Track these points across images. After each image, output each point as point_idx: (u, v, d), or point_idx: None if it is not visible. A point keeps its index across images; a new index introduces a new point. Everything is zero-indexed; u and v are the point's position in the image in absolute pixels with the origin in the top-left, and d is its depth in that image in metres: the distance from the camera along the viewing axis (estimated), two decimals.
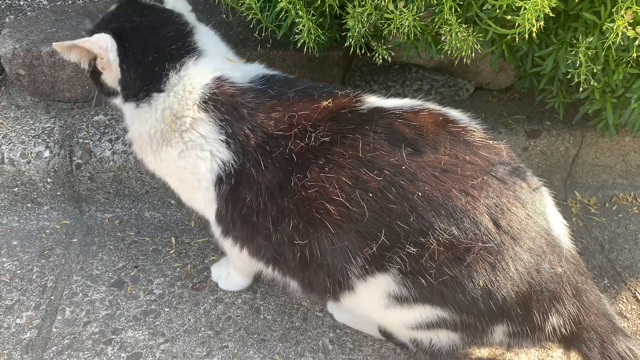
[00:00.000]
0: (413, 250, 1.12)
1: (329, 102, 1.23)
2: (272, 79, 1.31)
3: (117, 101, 1.38)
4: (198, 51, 1.31)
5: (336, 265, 1.18)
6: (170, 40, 1.30)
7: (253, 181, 1.21)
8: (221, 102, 1.25)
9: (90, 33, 1.30)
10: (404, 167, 1.12)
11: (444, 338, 1.27)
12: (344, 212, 1.14)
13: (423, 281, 1.13)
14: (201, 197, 1.31)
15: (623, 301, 1.59)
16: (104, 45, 1.25)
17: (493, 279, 1.12)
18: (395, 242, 1.13)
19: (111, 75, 1.31)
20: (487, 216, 1.11)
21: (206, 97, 1.26)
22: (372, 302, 1.22)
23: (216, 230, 1.36)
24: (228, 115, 1.24)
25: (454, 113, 1.24)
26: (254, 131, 1.23)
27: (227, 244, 1.35)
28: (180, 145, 1.28)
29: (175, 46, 1.30)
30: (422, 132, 1.16)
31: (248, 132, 1.23)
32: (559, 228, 1.22)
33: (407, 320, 1.23)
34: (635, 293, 1.61)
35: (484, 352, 1.43)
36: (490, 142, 1.19)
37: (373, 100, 1.25)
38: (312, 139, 1.18)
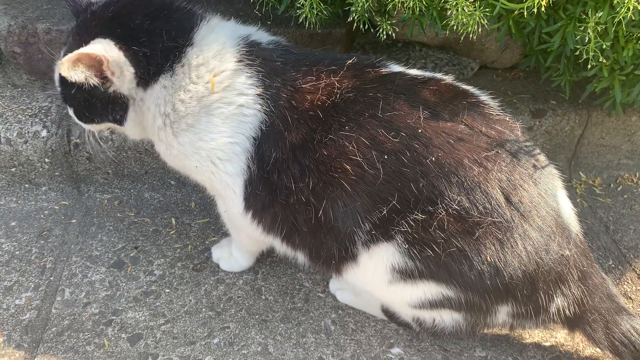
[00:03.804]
0: (421, 217, 1.10)
1: (354, 60, 1.22)
2: (288, 44, 1.30)
3: (138, 97, 1.25)
4: (208, 15, 1.29)
5: (345, 228, 1.17)
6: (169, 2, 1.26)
7: (280, 138, 1.19)
8: (256, 52, 1.23)
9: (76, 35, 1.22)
10: (420, 130, 1.11)
11: (447, 318, 1.26)
12: (359, 173, 1.13)
13: (430, 252, 1.12)
14: (232, 169, 1.24)
15: (628, 282, 1.57)
16: (100, 48, 1.15)
17: (501, 255, 1.10)
18: (404, 207, 1.11)
19: (122, 76, 1.20)
20: (498, 190, 1.09)
21: (243, 49, 1.23)
22: (375, 277, 1.21)
23: (237, 206, 1.29)
24: (263, 67, 1.21)
25: (473, 89, 1.23)
26: (284, 85, 1.20)
27: (246, 220, 1.31)
28: (223, 109, 1.21)
29: (180, 5, 1.26)
30: (441, 97, 1.16)
31: (279, 85, 1.20)
32: (568, 211, 1.20)
33: (411, 297, 1.22)
34: None
35: (487, 331, 1.42)
36: (507, 118, 1.18)
37: (395, 66, 1.25)
38: (338, 95, 1.17)
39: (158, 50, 1.20)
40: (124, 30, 1.19)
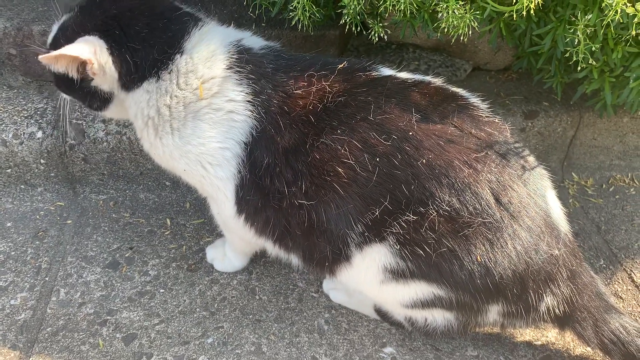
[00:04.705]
0: (412, 218, 1.12)
1: (344, 65, 1.23)
2: (280, 50, 1.31)
3: (120, 96, 1.29)
4: (205, 19, 1.30)
5: (338, 231, 1.18)
6: (172, 7, 1.27)
7: (272, 143, 1.19)
8: (246, 59, 1.23)
9: (65, 28, 1.25)
10: (410, 133, 1.12)
11: (439, 317, 1.27)
12: (352, 175, 1.14)
13: (421, 252, 1.13)
14: (222, 174, 1.26)
15: (619, 282, 1.59)
16: (90, 50, 1.17)
17: (491, 255, 1.12)
18: (396, 209, 1.13)
19: (104, 77, 1.23)
20: (488, 190, 1.11)
21: (233, 56, 1.23)
22: (367, 277, 1.22)
23: (229, 209, 1.30)
24: (254, 74, 1.22)
25: (462, 91, 1.25)
26: (275, 90, 1.21)
27: (238, 223, 1.32)
28: (212, 115, 1.22)
29: (181, 11, 1.27)
30: (431, 100, 1.17)
31: (270, 91, 1.21)
32: (558, 211, 1.22)
33: (402, 297, 1.23)
34: (630, 274, 1.61)
35: (478, 331, 1.43)
36: (496, 120, 1.19)
37: (386, 70, 1.26)
38: (329, 99, 1.18)
39: (148, 60, 1.21)
40: (122, 34, 1.20)
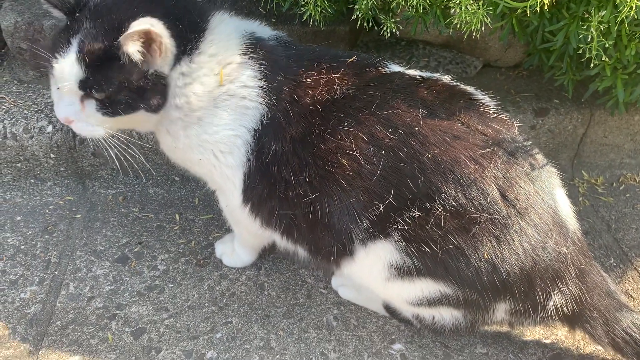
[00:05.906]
0: (418, 215, 1.12)
1: (354, 59, 1.23)
2: (289, 40, 1.31)
3: (170, 77, 1.18)
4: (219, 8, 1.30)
5: (341, 225, 1.18)
6: None
7: (281, 131, 1.20)
8: (260, 46, 1.23)
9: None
10: (417, 128, 1.13)
11: (446, 315, 1.27)
12: (356, 168, 1.14)
13: (427, 249, 1.13)
14: (232, 161, 1.25)
15: (629, 280, 1.58)
16: (153, 28, 1.07)
17: (498, 252, 1.11)
18: (401, 204, 1.12)
19: (166, 55, 1.14)
20: (494, 187, 1.10)
21: (247, 42, 1.23)
22: (373, 274, 1.22)
23: (236, 199, 1.30)
24: (266, 61, 1.22)
25: (470, 88, 1.24)
26: (286, 79, 1.21)
27: (243, 214, 1.32)
28: (228, 102, 1.21)
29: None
30: (438, 97, 1.17)
31: (282, 79, 1.21)
32: (566, 209, 1.21)
33: (408, 294, 1.23)
34: None
35: (487, 328, 1.42)
36: (504, 117, 1.19)
37: (395, 67, 1.27)
38: (338, 91, 1.18)
39: (188, 28, 1.16)
40: (168, 11, 1.14)
